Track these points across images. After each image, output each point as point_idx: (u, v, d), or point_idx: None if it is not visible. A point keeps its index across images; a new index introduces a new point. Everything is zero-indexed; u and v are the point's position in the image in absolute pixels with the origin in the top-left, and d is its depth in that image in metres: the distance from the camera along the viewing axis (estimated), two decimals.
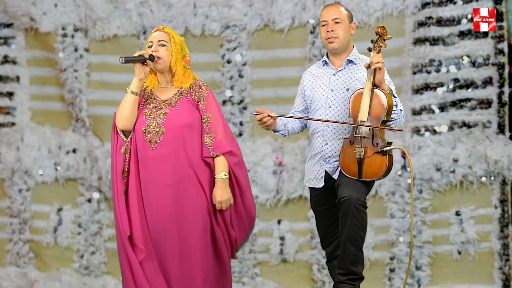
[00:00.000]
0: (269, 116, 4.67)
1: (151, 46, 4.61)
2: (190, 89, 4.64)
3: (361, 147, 4.53)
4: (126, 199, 4.55)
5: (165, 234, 4.50)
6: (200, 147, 4.57)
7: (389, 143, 4.54)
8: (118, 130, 4.56)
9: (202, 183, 4.56)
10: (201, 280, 4.51)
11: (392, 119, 4.62)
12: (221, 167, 4.58)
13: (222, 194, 4.55)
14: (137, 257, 4.47)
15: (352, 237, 4.50)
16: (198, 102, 4.61)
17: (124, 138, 4.55)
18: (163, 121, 4.51)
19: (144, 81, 4.65)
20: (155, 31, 4.67)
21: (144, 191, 4.53)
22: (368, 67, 4.56)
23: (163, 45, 4.60)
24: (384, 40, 4.63)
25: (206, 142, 4.57)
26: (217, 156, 4.58)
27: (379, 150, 4.50)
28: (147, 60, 4.53)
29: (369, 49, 4.63)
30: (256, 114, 4.67)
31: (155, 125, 4.51)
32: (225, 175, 4.57)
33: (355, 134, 4.56)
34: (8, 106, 7.43)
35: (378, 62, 4.51)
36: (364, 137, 4.54)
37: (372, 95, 4.54)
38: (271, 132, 6.93)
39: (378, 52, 4.59)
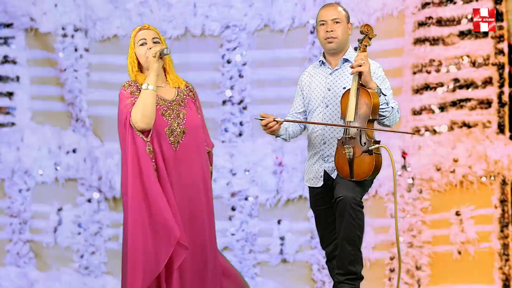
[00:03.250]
0: (274, 120, 4.63)
1: (144, 44, 4.55)
2: (186, 88, 4.64)
3: (350, 148, 4.54)
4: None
5: (198, 230, 4.53)
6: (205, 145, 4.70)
7: (376, 142, 4.54)
8: (137, 130, 4.39)
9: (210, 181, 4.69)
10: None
11: (383, 117, 4.62)
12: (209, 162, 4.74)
13: None
14: (181, 256, 4.39)
15: (349, 237, 4.51)
16: (194, 101, 4.65)
17: (145, 138, 4.41)
18: (184, 121, 4.51)
19: (136, 80, 4.59)
20: (140, 29, 4.60)
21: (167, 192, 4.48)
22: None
23: (158, 43, 4.56)
24: (370, 38, 4.63)
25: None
26: (209, 152, 4.73)
27: (365, 150, 4.51)
28: (164, 56, 4.50)
29: (355, 49, 4.64)
30: (261, 119, 4.63)
31: (177, 125, 4.49)
32: (212, 168, 4.75)
33: (345, 134, 4.58)
34: (8, 106, 7.43)
35: (359, 65, 4.51)
36: (353, 137, 4.55)
37: (358, 95, 4.54)
38: None
39: (363, 51, 4.59)
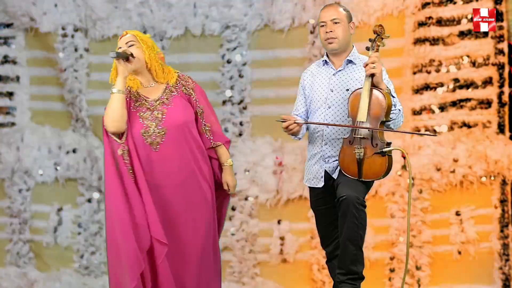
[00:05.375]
0: (295, 123, 4.63)
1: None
2: (178, 83, 4.58)
3: (360, 148, 4.52)
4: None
5: (173, 231, 4.49)
6: (199, 140, 4.59)
7: (388, 144, 4.53)
8: (109, 133, 4.43)
9: (205, 176, 4.59)
10: (195, 275, 4.53)
11: (391, 119, 4.62)
12: (226, 154, 4.69)
13: (233, 179, 4.69)
14: (161, 253, 4.41)
15: (351, 237, 4.50)
16: (190, 95, 4.58)
17: (118, 140, 4.43)
18: (162, 122, 4.47)
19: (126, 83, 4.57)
20: (120, 37, 4.58)
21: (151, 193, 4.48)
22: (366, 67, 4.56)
23: (132, 45, 4.50)
24: (382, 39, 4.62)
25: (206, 133, 4.62)
26: (218, 146, 4.66)
27: (379, 151, 4.49)
28: (130, 58, 4.44)
29: (367, 48, 4.62)
30: (282, 121, 4.63)
31: (155, 126, 4.47)
32: (231, 161, 4.70)
33: (354, 134, 4.55)
34: (8, 106, 7.43)
35: (373, 63, 4.51)
36: (364, 137, 4.53)
37: (371, 95, 4.53)
38: (271, 132, 6.97)
39: (376, 51, 4.58)
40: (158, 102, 4.51)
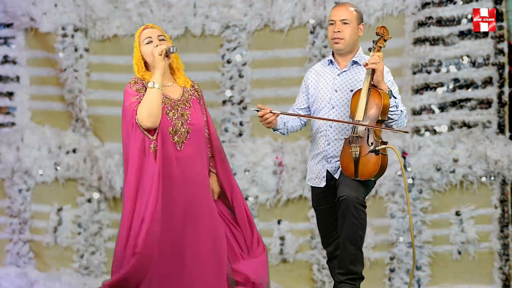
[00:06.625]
0: (271, 112, 4.64)
1: (150, 42, 4.52)
2: (192, 88, 4.62)
3: (356, 146, 4.53)
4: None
5: (199, 226, 4.50)
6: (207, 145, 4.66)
7: (384, 143, 4.53)
8: (143, 128, 4.38)
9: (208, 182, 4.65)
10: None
11: (391, 120, 4.62)
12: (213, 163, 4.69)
13: (217, 186, 4.68)
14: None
15: (351, 237, 4.51)
16: (199, 101, 4.62)
17: (150, 137, 4.40)
18: (188, 121, 4.48)
19: (143, 78, 4.55)
20: (145, 28, 4.59)
21: (169, 190, 4.44)
22: (366, 65, 4.57)
23: (164, 40, 4.54)
24: (385, 40, 4.63)
25: (208, 141, 4.65)
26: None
27: (372, 150, 4.50)
28: (170, 54, 4.48)
29: (369, 49, 4.64)
30: (258, 110, 4.64)
31: (181, 125, 4.47)
32: None
33: (352, 133, 4.57)
34: (8, 106, 7.43)
35: (373, 63, 4.52)
36: (360, 136, 4.55)
37: (369, 95, 4.54)
38: (271, 132, 6.95)
39: (378, 51, 4.59)
40: (180, 102, 4.52)
